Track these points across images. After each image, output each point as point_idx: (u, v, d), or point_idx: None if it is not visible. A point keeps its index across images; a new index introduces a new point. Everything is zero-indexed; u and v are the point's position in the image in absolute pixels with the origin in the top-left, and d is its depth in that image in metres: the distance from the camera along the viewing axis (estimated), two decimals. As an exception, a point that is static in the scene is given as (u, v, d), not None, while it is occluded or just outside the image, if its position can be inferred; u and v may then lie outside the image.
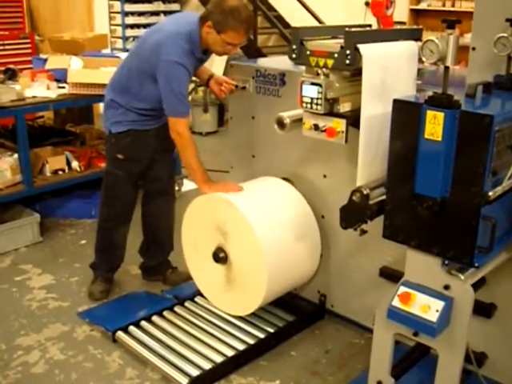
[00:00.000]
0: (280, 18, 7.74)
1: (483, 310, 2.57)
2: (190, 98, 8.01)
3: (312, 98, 2.31)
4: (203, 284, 3.22)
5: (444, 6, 6.74)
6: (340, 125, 2.34)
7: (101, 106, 4.42)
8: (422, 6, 6.89)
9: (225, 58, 7.60)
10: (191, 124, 7.72)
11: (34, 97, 4.39)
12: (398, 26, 2.70)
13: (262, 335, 3.08)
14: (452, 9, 6.63)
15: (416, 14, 6.99)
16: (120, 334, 3.10)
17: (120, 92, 3.23)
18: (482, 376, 2.40)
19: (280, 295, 3.09)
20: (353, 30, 2.23)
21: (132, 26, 8.27)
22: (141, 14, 8.39)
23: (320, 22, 7.10)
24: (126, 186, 3.38)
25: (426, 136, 1.89)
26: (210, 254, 3.01)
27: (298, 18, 7.35)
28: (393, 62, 2.28)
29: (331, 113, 2.34)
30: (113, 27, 8.25)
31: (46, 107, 4.52)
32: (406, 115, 1.95)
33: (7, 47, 7.31)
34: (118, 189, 3.39)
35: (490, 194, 1.87)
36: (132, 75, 3.17)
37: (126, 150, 3.29)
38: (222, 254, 2.96)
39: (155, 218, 3.60)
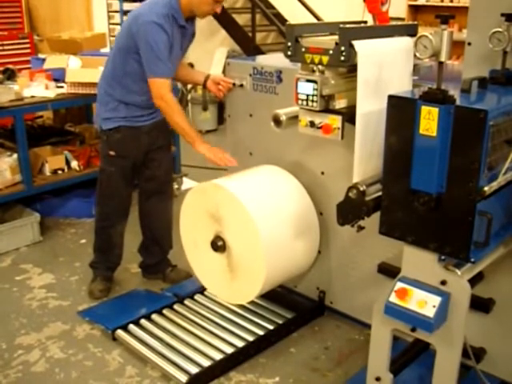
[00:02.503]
0: (279, 16, 7.75)
1: (482, 305, 2.57)
2: (189, 96, 8.05)
3: (307, 95, 2.31)
4: (207, 280, 3.19)
5: (442, 1, 6.72)
6: (336, 121, 2.34)
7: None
8: (421, 1, 6.88)
9: (224, 56, 7.64)
10: (191, 122, 7.71)
11: (32, 97, 4.40)
12: (394, 22, 2.70)
13: (261, 332, 3.09)
14: (450, 4, 6.61)
15: (414, 9, 6.98)
16: (120, 332, 3.11)
17: (109, 80, 3.26)
18: (480, 371, 2.39)
19: (282, 274, 3.03)
20: (347, 26, 2.23)
21: (131, 25, 8.26)
22: (139, 12, 8.37)
23: (318, 19, 7.10)
24: (119, 183, 3.39)
25: (420, 131, 1.89)
26: (210, 247, 3.00)
27: (296, 16, 7.35)
28: (388, 58, 2.28)
29: (327, 109, 2.34)
30: (111, 26, 8.26)
31: (44, 107, 4.53)
32: (400, 111, 1.95)
33: (6, 47, 7.32)
34: (111, 186, 3.40)
35: (486, 189, 1.86)
36: (116, 57, 3.22)
37: (117, 147, 3.30)
38: (220, 243, 2.94)
39: (152, 217, 3.61)
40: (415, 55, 1.96)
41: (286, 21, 7.37)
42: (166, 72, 3.07)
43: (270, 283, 2.95)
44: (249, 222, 2.80)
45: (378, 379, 2.26)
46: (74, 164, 4.69)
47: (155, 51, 3.01)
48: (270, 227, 2.86)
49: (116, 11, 8.17)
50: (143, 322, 3.20)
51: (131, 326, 3.16)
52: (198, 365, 2.84)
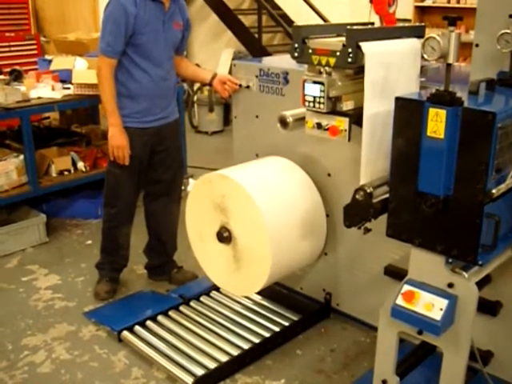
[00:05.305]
0: (285, 17, 7.74)
1: (489, 307, 2.56)
2: (195, 97, 8.05)
3: (314, 97, 2.30)
4: (213, 272, 3.15)
5: (449, 2, 6.69)
6: (343, 123, 2.33)
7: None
8: (427, 2, 6.85)
9: (230, 57, 7.64)
10: (197, 123, 7.74)
11: (39, 98, 4.42)
12: (401, 24, 2.69)
13: (267, 334, 3.08)
14: (457, 5, 6.58)
15: (421, 10, 6.96)
16: (126, 333, 3.11)
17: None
18: (487, 374, 2.38)
19: (288, 265, 3.00)
20: (355, 27, 2.22)
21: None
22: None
23: (325, 20, 7.09)
24: (125, 184, 3.39)
25: (428, 134, 1.88)
26: (215, 239, 2.98)
27: (303, 17, 7.35)
28: (395, 60, 2.27)
29: (334, 111, 2.33)
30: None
31: (51, 108, 4.53)
32: (408, 113, 1.95)
33: (13, 48, 7.33)
34: (117, 188, 3.41)
35: (494, 191, 1.86)
36: None
37: None
38: (225, 233, 2.92)
39: (158, 218, 3.61)
40: (422, 57, 1.95)
41: (293, 22, 7.36)
42: (103, 49, 3.15)
43: (275, 274, 2.92)
44: (255, 211, 2.78)
45: (384, 382, 2.25)
46: (81, 165, 4.69)
47: (103, 28, 3.16)
48: (276, 217, 2.84)
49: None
50: (149, 323, 3.20)
51: (137, 328, 3.15)
52: (204, 367, 2.84)
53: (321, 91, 2.28)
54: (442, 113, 1.84)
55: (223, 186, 2.91)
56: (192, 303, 3.41)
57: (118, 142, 3.23)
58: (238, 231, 2.90)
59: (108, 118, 3.25)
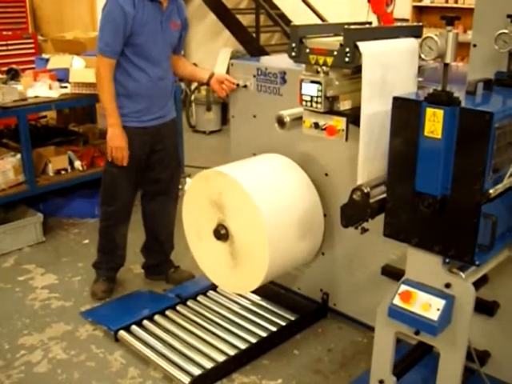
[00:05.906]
0: (283, 16, 7.74)
1: (486, 308, 2.56)
2: (193, 96, 8.04)
3: (312, 96, 2.30)
4: (210, 270, 3.14)
5: (447, 2, 6.70)
6: (340, 123, 2.33)
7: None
8: (425, 2, 6.86)
9: (227, 57, 7.64)
10: (195, 123, 7.73)
11: (36, 97, 4.41)
12: (399, 23, 2.69)
13: (264, 334, 3.08)
14: (455, 5, 6.59)
15: (419, 10, 6.97)
16: (122, 333, 3.11)
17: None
18: (484, 374, 2.38)
19: (285, 263, 2.98)
20: (352, 27, 2.22)
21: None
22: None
23: (322, 19, 7.09)
24: (122, 184, 3.39)
25: (425, 134, 1.88)
26: (212, 236, 2.97)
27: (300, 16, 7.34)
28: (393, 60, 2.27)
29: (331, 111, 2.33)
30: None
31: (48, 107, 4.53)
32: (405, 113, 1.94)
33: (10, 47, 7.31)
34: (115, 187, 3.40)
35: (491, 191, 1.86)
36: None
37: None
38: (223, 231, 2.91)
39: (155, 218, 3.61)
40: (420, 56, 1.95)
41: (290, 21, 7.34)
42: (102, 48, 3.15)
43: (272, 272, 2.91)
44: (253, 209, 2.77)
45: (381, 382, 2.25)
46: (78, 164, 4.69)
47: (101, 28, 3.15)
48: (274, 215, 2.83)
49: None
50: (146, 322, 3.20)
51: (134, 327, 3.15)
52: (201, 366, 2.83)
53: (318, 91, 2.28)
54: (440, 113, 1.83)
55: (220, 183, 2.90)
56: (189, 303, 3.40)
57: (117, 143, 3.21)
58: (236, 228, 2.89)
59: (107, 119, 3.23)
